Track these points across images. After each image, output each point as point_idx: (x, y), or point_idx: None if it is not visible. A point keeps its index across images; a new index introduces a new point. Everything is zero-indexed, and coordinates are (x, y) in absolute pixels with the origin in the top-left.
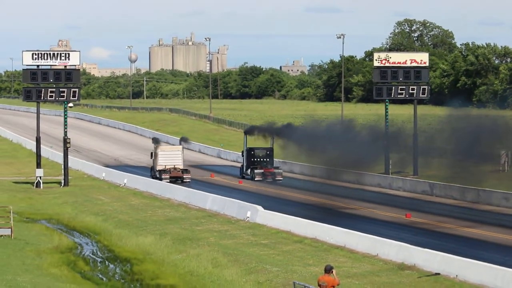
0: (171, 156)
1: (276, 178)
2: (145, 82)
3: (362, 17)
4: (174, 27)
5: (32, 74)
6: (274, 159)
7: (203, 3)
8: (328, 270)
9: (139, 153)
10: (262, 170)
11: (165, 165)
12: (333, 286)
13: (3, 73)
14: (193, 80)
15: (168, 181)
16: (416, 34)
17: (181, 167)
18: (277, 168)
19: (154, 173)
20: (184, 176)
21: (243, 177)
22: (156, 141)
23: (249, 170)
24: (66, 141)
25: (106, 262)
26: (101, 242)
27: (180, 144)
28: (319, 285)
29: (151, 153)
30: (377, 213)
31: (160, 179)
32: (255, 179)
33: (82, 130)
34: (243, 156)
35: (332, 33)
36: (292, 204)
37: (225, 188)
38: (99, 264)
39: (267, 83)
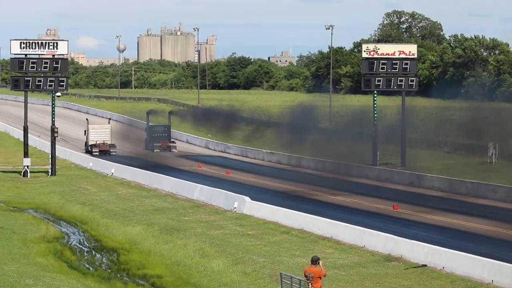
0: (100, 133)
1: (171, 150)
2: (133, 72)
3: (351, 7)
4: (163, 16)
5: (20, 63)
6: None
7: None
8: (315, 261)
9: (127, 143)
10: (159, 144)
11: (96, 141)
12: (320, 277)
13: None
14: (181, 70)
15: (98, 154)
16: (404, 26)
17: (109, 142)
18: (172, 142)
19: (87, 147)
20: (111, 150)
21: (147, 149)
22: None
23: (150, 144)
24: (53, 131)
25: (93, 251)
26: (88, 232)
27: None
28: (305, 276)
29: (85, 130)
30: (364, 204)
31: (91, 152)
32: (154, 150)
33: (70, 120)
34: (146, 132)
35: (321, 24)
36: (279, 195)
37: (213, 178)
38: (86, 253)
39: (255, 74)
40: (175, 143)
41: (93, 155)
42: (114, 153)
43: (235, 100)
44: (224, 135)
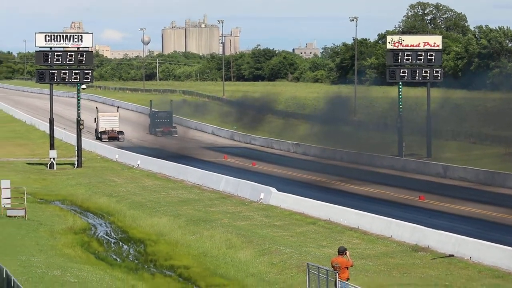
0: (109, 120)
1: (172, 135)
2: (158, 64)
3: None
4: (187, 9)
5: (45, 56)
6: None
7: None
8: (342, 251)
9: (152, 135)
10: (162, 128)
11: (105, 128)
12: (347, 268)
13: (16, 55)
14: (206, 63)
15: (107, 140)
16: (429, 17)
17: (118, 129)
18: (173, 127)
19: (96, 134)
20: (119, 137)
21: (150, 133)
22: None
23: (153, 128)
24: (79, 123)
25: (120, 243)
26: (115, 223)
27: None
28: (332, 266)
29: (95, 118)
30: (390, 195)
31: (101, 139)
32: (157, 135)
33: (95, 112)
34: (149, 117)
35: (345, 16)
36: (306, 186)
37: (239, 170)
38: (113, 245)
39: (280, 66)
40: (176, 128)
41: (102, 141)
42: (122, 140)
43: (267, 92)
44: (256, 127)
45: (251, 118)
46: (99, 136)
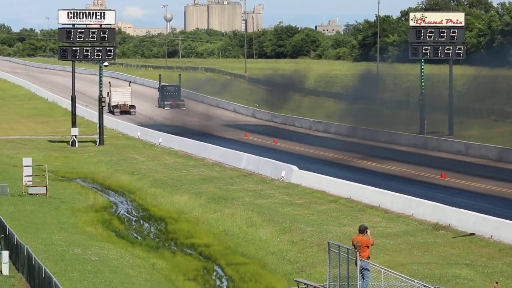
0: (122, 95)
1: (180, 108)
2: (180, 42)
3: None
4: None
5: (68, 33)
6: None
7: None
8: (363, 230)
9: (174, 113)
10: (170, 102)
11: (117, 102)
12: (367, 246)
13: (39, 32)
14: (228, 40)
15: (119, 114)
16: None
17: (130, 103)
18: (181, 100)
19: (109, 108)
20: (131, 111)
21: (159, 106)
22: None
23: (162, 102)
24: (101, 100)
25: (141, 221)
26: (136, 201)
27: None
28: (353, 245)
29: (107, 92)
30: (412, 173)
31: (113, 113)
32: (165, 108)
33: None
34: (158, 91)
35: None
36: (327, 164)
37: (260, 147)
38: (133, 223)
39: (302, 43)
40: (184, 101)
41: (115, 115)
42: (133, 113)
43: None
44: (284, 106)
45: (279, 97)
46: (112, 110)
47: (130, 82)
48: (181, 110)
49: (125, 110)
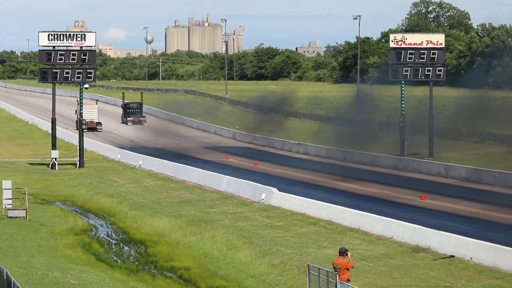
0: (89, 112)
1: (142, 124)
2: (161, 63)
3: None
4: (190, 7)
5: (48, 55)
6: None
7: None
8: (343, 252)
9: (155, 135)
10: (132, 118)
11: (86, 119)
12: (347, 269)
13: (19, 54)
14: (209, 62)
15: (86, 130)
16: (432, 15)
17: (97, 120)
18: (143, 117)
19: (77, 125)
20: (97, 128)
21: (122, 123)
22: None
23: (125, 118)
24: (81, 123)
25: (121, 244)
26: (116, 224)
27: (123, 95)
28: (334, 267)
29: (75, 110)
30: (392, 195)
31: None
32: (128, 124)
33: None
34: (122, 108)
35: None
36: (307, 186)
37: (240, 170)
38: (113, 246)
39: (282, 65)
40: (145, 117)
41: (83, 131)
42: (100, 130)
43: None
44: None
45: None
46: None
47: (97, 100)
48: (161, 132)
49: (92, 127)
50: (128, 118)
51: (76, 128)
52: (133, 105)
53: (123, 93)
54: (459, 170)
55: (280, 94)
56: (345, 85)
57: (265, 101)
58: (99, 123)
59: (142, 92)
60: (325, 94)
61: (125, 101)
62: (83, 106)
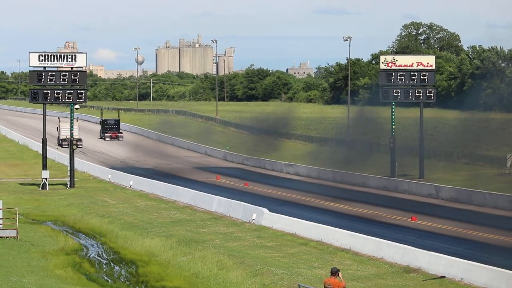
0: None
1: (119, 139)
2: (151, 84)
3: (369, 19)
4: (181, 29)
5: (39, 75)
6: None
7: (210, 4)
8: (335, 272)
9: (145, 155)
10: (110, 134)
11: (66, 136)
12: None
13: (10, 75)
14: (199, 82)
15: (67, 146)
16: (422, 37)
17: (77, 137)
18: (120, 133)
19: (58, 141)
20: (77, 144)
21: (101, 138)
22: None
23: (103, 134)
24: (72, 143)
25: (112, 264)
26: (107, 244)
27: (101, 112)
28: (325, 287)
29: (57, 127)
30: (382, 216)
31: (62, 145)
32: (105, 139)
33: (88, 132)
34: (100, 124)
35: (339, 36)
36: (298, 206)
37: (231, 190)
38: (104, 266)
39: (273, 86)
40: (122, 133)
41: (63, 147)
42: (80, 146)
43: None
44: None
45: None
46: (60, 143)
47: (77, 118)
48: (152, 153)
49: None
50: (106, 134)
51: (57, 145)
52: (111, 122)
53: (101, 110)
54: (449, 191)
55: (281, 114)
56: (336, 106)
57: (264, 122)
58: (79, 139)
59: (119, 111)
60: (316, 116)
61: (103, 117)
62: (63, 123)
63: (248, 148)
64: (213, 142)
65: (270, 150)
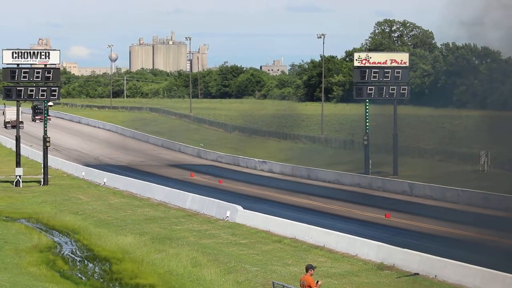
0: (13, 113)
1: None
2: (125, 81)
3: (343, 17)
4: (155, 26)
5: (12, 73)
6: None
7: (183, 1)
8: (308, 269)
9: (119, 152)
10: (40, 117)
11: (10, 119)
12: (310, 286)
13: None
14: (173, 80)
15: (10, 128)
16: (396, 34)
17: (14, 120)
18: (49, 118)
19: (4, 124)
20: (19, 125)
21: (32, 120)
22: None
23: (33, 117)
24: (46, 140)
25: (85, 261)
26: (81, 241)
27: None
28: (300, 284)
29: (2, 111)
30: (356, 213)
31: (6, 127)
32: (36, 121)
33: (62, 129)
34: (31, 109)
35: (313, 33)
36: (272, 203)
37: (205, 187)
38: (78, 263)
39: (247, 83)
40: (50, 118)
41: (7, 128)
42: (22, 128)
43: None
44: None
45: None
46: (5, 125)
47: (20, 104)
48: (126, 150)
49: (15, 125)
50: (36, 117)
51: (4, 126)
52: (41, 107)
53: (32, 103)
54: (423, 188)
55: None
56: (309, 103)
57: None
58: (21, 122)
59: (49, 103)
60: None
61: (34, 103)
62: (9, 108)
63: (220, 145)
64: (187, 139)
65: (246, 148)
